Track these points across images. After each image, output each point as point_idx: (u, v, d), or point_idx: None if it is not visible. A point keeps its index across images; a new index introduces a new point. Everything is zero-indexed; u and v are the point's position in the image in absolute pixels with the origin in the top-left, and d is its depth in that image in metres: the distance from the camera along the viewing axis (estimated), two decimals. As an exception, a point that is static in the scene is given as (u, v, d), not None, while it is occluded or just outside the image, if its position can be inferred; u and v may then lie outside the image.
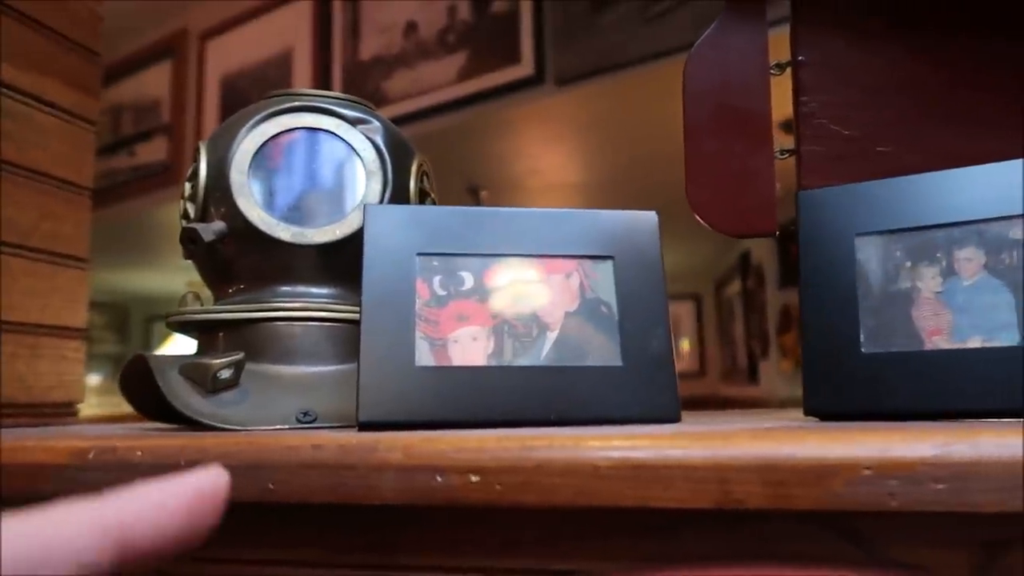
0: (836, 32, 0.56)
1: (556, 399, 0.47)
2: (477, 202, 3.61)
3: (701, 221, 0.56)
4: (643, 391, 0.48)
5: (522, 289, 0.49)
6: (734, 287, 4.32)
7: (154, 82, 3.84)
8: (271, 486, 0.41)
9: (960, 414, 0.42)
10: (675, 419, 0.48)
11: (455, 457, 0.38)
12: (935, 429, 0.35)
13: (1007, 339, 0.42)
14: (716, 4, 0.60)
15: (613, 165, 3.37)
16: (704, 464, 0.35)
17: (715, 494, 0.35)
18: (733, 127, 0.55)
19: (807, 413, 0.46)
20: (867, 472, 0.34)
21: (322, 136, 0.65)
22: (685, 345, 4.91)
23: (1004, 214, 0.43)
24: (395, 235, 0.50)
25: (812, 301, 0.47)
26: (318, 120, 0.66)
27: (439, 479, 0.38)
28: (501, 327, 0.48)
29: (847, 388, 0.45)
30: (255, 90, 3.33)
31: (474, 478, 0.38)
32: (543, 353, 0.48)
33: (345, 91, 3.36)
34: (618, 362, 0.48)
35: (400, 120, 3.12)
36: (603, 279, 0.50)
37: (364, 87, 3.19)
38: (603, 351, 0.49)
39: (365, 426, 0.46)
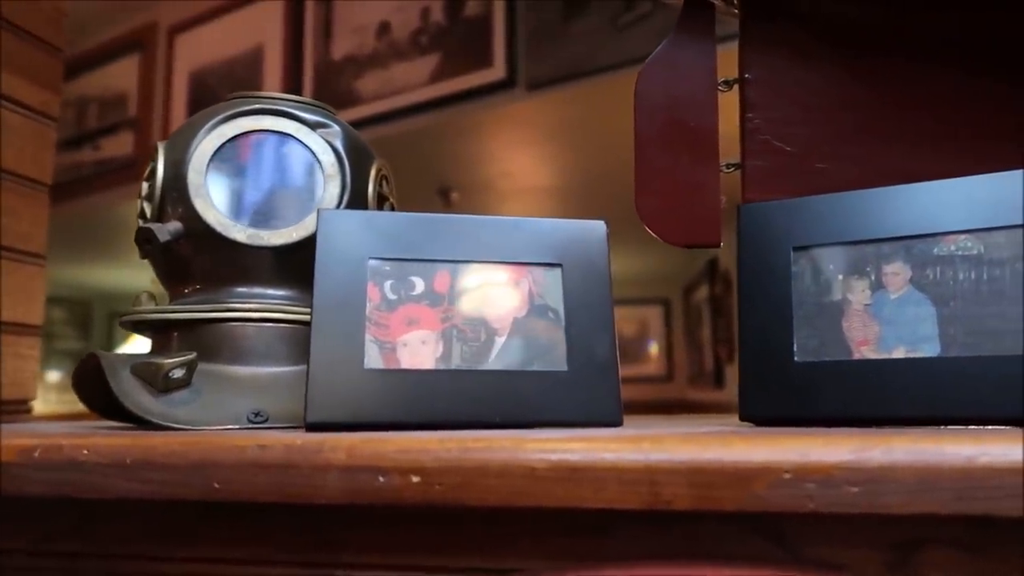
0: (781, 51, 0.58)
1: (502, 403, 0.49)
2: (448, 203, 3.62)
3: (649, 231, 0.57)
4: (587, 396, 0.49)
5: (472, 295, 0.51)
6: (702, 292, 4.37)
7: (121, 76, 3.78)
8: (216, 485, 0.41)
9: (885, 421, 0.44)
10: (617, 423, 0.49)
11: (397, 458, 0.39)
12: (854, 435, 0.37)
13: (928, 350, 0.44)
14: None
15: (584, 170, 3.40)
16: (634, 467, 0.37)
17: (645, 496, 0.37)
18: (681, 141, 0.57)
19: (743, 419, 0.47)
20: (787, 476, 0.35)
21: (281, 139, 0.66)
22: (654, 349, 4.96)
23: (930, 231, 0.46)
24: (348, 240, 0.50)
25: (750, 311, 0.49)
26: (278, 123, 0.66)
27: (381, 479, 0.39)
28: (450, 332, 0.50)
29: (780, 395, 0.46)
30: (224, 87, 3.30)
31: (415, 479, 0.39)
32: (491, 357, 0.50)
33: (316, 90, 3.34)
34: (563, 367, 0.50)
35: (372, 121, 3.12)
36: (551, 286, 0.52)
37: (336, 87, 3.18)
38: (549, 356, 0.50)
39: (313, 427, 0.46)
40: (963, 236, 0.45)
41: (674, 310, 4.78)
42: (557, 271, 0.52)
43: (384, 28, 3.13)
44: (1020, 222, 0.44)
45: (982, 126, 0.55)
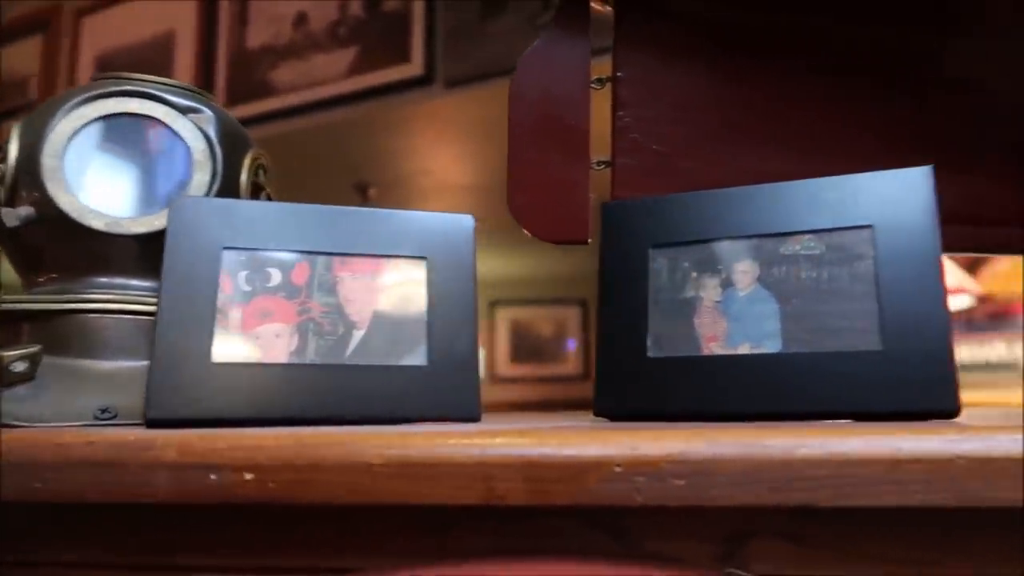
0: (653, 51, 0.58)
1: (359, 399, 0.48)
2: (365, 199, 3.57)
3: (520, 226, 0.57)
4: (446, 391, 0.49)
5: (331, 287, 0.49)
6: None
7: (23, 58, 3.59)
8: (38, 484, 0.39)
9: (731, 415, 0.45)
10: (475, 418, 0.49)
11: (230, 455, 0.38)
12: (685, 430, 0.37)
13: (771, 346, 0.45)
14: (603, 20, 0.61)
15: (502, 167, 3.40)
16: (469, 462, 0.36)
17: (480, 491, 0.36)
18: (554, 138, 0.57)
19: (596, 414, 0.48)
20: (618, 469, 0.35)
21: (148, 123, 0.63)
22: (571, 349, 5.00)
23: (777, 231, 0.47)
24: (202, 228, 0.49)
25: (608, 308, 0.49)
26: (145, 106, 0.63)
27: (213, 477, 0.38)
28: (306, 325, 0.48)
29: (633, 391, 0.47)
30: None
31: (248, 476, 0.37)
32: (348, 352, 0.49)
33: (230, 80, 3.24)
34: (423, 362, 0.49)
35: (288, 113, 3.05)
36: (415, 279, 0.51)
37: (251, 77, 3.10)
38: (409, 351, 0.49)
39: (154, 423, 0.44)
40: (807, 236, 0.46)
41: (591, 311, 4.84)
42: (422, 264, 0.51)
43: (302, 18, 3.06)
44: (860, 223, 0.45)
45: (839, 131, 0.57)
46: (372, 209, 0.52)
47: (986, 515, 0.34)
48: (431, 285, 0.51)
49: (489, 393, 4.68)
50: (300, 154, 3.05)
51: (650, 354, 0.47)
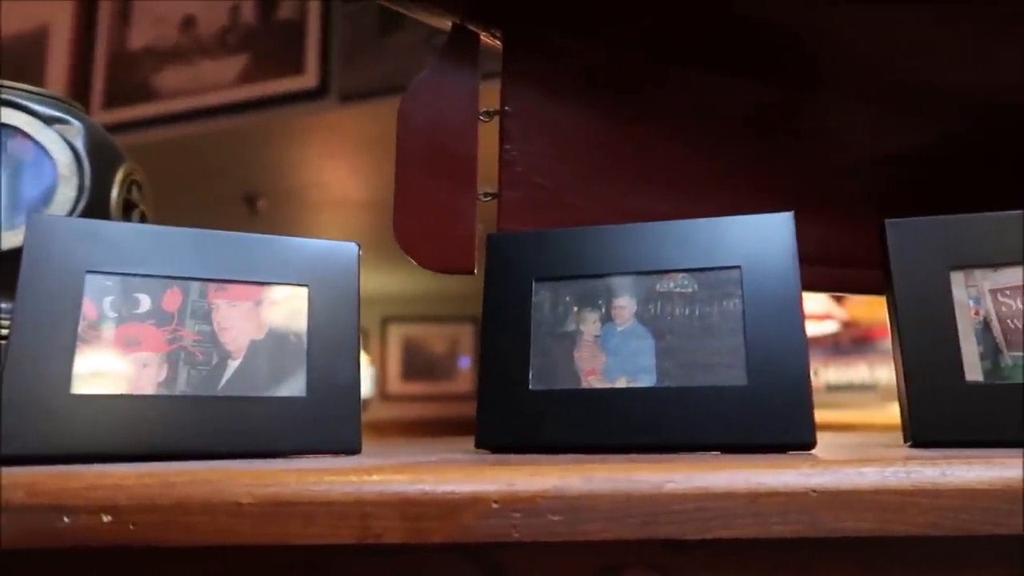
0: (540, 88, 0.60)
1: (234, 432, 0.46)
2: (254, 212, 3.46)
3: (405, 253, 0.57)
4: (325, 423, 0.48)
5: (205, 314, 0.48)
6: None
7: None
8: None
9: (608, 448, 0.46)
10: (355, 450, 0.48)
11: (87, 495, 0.36)
12: (561, 464, 0.38)
13: (646, 380, 0.47)
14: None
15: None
16: (344, 499, 0.36)
17: (355, 529, 0.36)
18: (441, 166, 0.57)
19: (478, 446, 0.48)
20: (495, 505, 0.36)
21: (8, 133, 0.59)
22: (464, 367, 5.00)
23: (654, 268, 0.49)
24: (63, 249, 0.46)
25: (491, 339, 0.49)
26: (6, 115, 0.59)
27: (66, 520, 0.35)
28: (177, 354, 0.46)
29: (515, 423, 0.47)
30: (2, 70, 2.96)
31: (106, 518, 0.35)
32: (222, 382, 0.47)
33: (108, 81, 3.08)
34: (302, 393, 0.48)
35: (172, 119, 2.92)
36: (295, 307, 0.50)
37: (131, 79, 2.95)
38: (288, 381, 0.48)
39: (8, 460, 0.41)
40: (681, 274, 0.48)
41: (485, 328, 4.86)
42: (303, 291, 0.50)
43: (189, 22, 2.95)
44: (729, 264, 0.48)
45: (710, 176, 0.60)
46: (252, 234, 0.51)
47: (839, 544, 0.36)
48: (312, 313, 0.50)
49: (379, 411, 4.62)
50: (186, 162, 2.93)
51: (531, 386, 0.48)
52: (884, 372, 3.09)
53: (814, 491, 0.36)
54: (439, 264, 0.57)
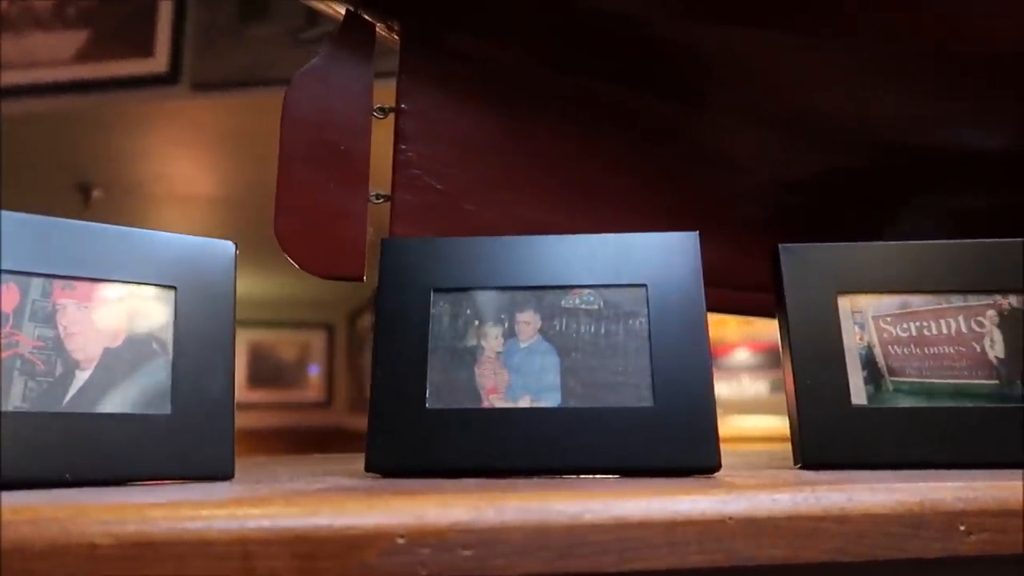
0: (438, 87, 0.57)
1: (82, 454, 0.39)
2: (87, 203, 3.18)
3: (288, 256, 0.52)
4: (193, 444, 0.42)
5: (48, 317, 0.41)
6: (368, 320, 4.37)
7: None
8: None
9: (510, 471, 0.43)
10: (228, 475, 0.43)
11: None
12: (470, 493, 0.35)
13: (551, 400, 0.45)
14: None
15: (252, 182, 3.20)
16: (225, 538, 0.31)
17: (238, 571, 0.31)
18: (330, 163, 0.53)
19: (368, 470, 0.44)
20: (401, 541, 0.32)
21: None
22: (314, 375, 4.83)
23: (560, 283, 0.47)
24: None
25: (385, 353, 0.46)
26: None
27: None
28: (12, 362, 0.39)
29: (410, 445, 0.44)
30: None
31: (-86, 567, 0.29)
32: (67, 397, 0.40)
33: (-85, 45, 2.72)
34: (166, 410, 0.42)
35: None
36: (160, 311, 0.44)
37: (-54, 45, 2.63)
38: (148, 397, 0.42)
39: None
40: (587, 290, 0.47)
41: (338, 336, 4.72)
42: (170, 294, 0.44)
43: (20, -12, 2.67)
44: (635, 281, 0.47)
45: (611, 190, 0.59)
46: (110, 226, 0.44)
47: (753, 572, 0.35)
48: (180, 319, 0.44)
49: (220, 420, 4.37)
50: (11, 143, 2.64)
51: (429, 405, 0.44)
52: (724, 387, 3.27)
53: (730, 518, 0.35)
54: (325, 269, 0.53)
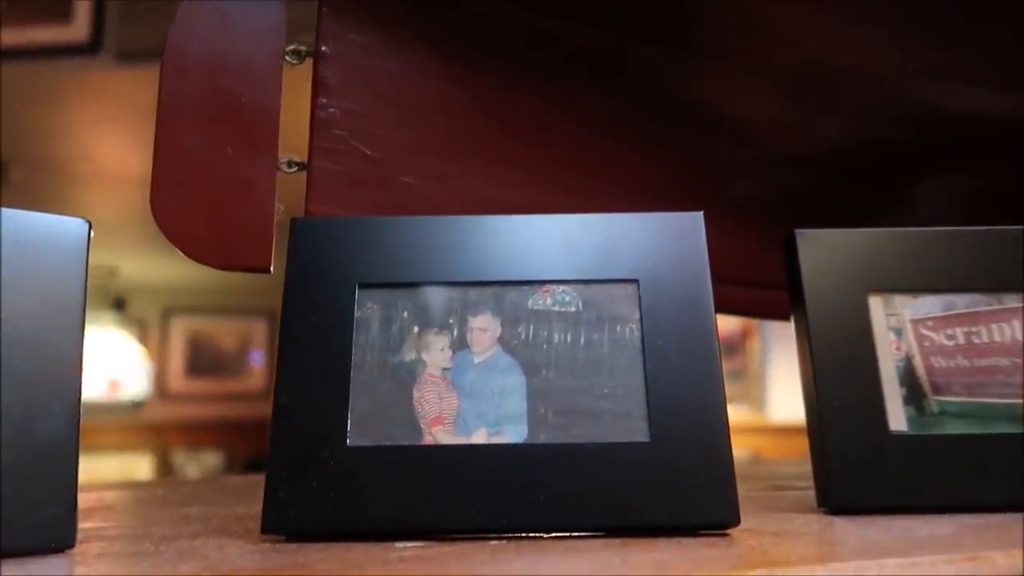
0: (373, 28, 0.45)
1: None
2: (5, 181, 2.96)
3: (169, 241, 0.40)
4: (17, 501, 0.30)
5: None
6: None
7: None
8: None
9: (459, 530, 0.32)
10: (65, 544, 0.31)
11: None
12: (406, 570, 0.24)
13: (514, 434, 0.34)
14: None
15: (184, 163, 3.02)
16: None
17: None
18: (226, 121, 0.41)
19: (264, 530, 0.32)
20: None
21: None
22: (255, 364, 4.64)
23: (525, 277, 0.36)
24: None
25: (291, 371, 0.34)
26: None
27: None
28: None
29: (323, 494, 0.32)
30: None
31: None
32: None
33: None
34: (-26, 455, 0.30)
35: None
36: (-26, 317, 0.31)
37: None
38: (-51, 436, 0.30)
39: None
40: (562, 287, 0.36)
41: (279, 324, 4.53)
42: (-10, 292, 0.32)
43: (-79, -56, 2.43)
44: (623, 276, 0.36)
45: (591, 162, 0.48)
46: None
47: None
48: (4, 325, 0.32)
49: (157, 411, 4.15)
50: None
51: (351, 442, 0.33)
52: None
53: (776, 619, 0.25)
54: (219, 257, 0.41)
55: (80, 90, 2.54)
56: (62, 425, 0.32)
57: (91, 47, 2.30)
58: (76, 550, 0.31)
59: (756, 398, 3.38)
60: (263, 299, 4.39)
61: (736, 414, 3.22)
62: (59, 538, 0.31)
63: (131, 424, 4.07)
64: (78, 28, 2.31)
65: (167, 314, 4.36)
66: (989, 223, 0.42)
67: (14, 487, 0.30)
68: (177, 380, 4.38)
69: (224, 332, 4.50)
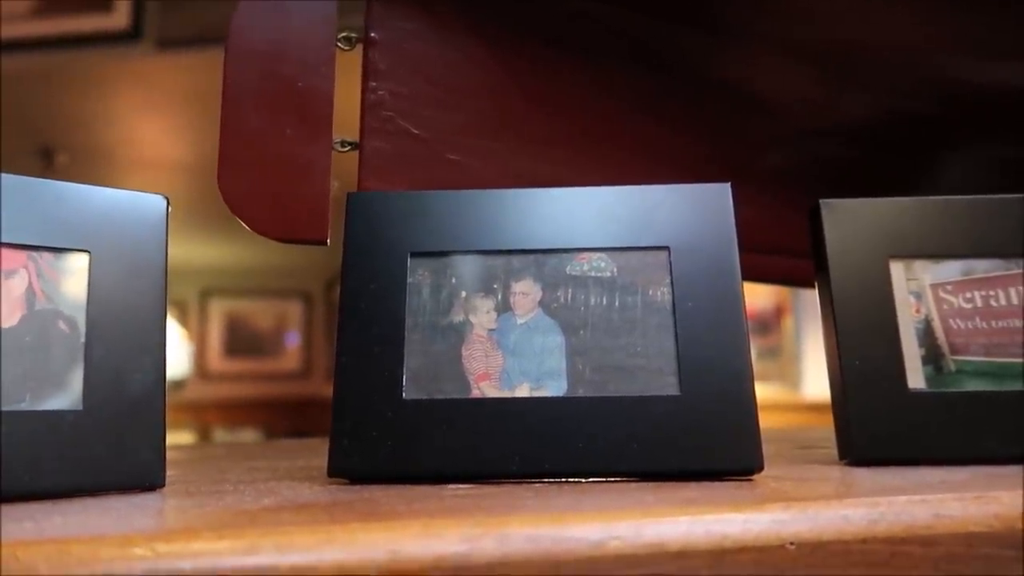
0: (419, 15, 0.48)
1: (-36, 461, 0.31)
2: (50, 167, 3.05)
3: (236, 217, 0.44)
4: (111, 448, 0.34)
5: (-78, 290, 0.32)
6: (346, 289, 4.25)
7: None
8: None
9: (505, 474, 0.36)
10: (156, 484, 0.35)
11: None
12: (462, 514, 0.27)
13: (554, 388, 0.37)
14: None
15: (222, 147, 3.08)
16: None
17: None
18: (285, 105, 0.44)
19: (332, 474, 0.36)
20: (369, 584, 0.24)
21: None
22: (291, 345, 4.73)
23: (564, 246, 0.39)
24: None
25: (352, 332, 0.37)
26: None
27: None
28: None
29: (383, 443, 0.36)
30: None
31: None
32: (-55, 391, 0.32)
33: None
34: (76, 405, 0.34)
35: (-56, 51, 2.48)
36: (71, 282, 0.35)
37: None
38: (55, 388, 0.34)
39: None
40: (598, 254, 0.39)
41: (316, 304, 4.62)
42: (83, 259, 0.36)
43: (-32, -63, 2.50)
44: (656, 243, 0.39)
45: (636, 141, 0.51)
46: (5, 175, 0.35)
47: (816, 613, 0.28)
48: (94, 291, 0.35)
49: (197, 391, 4.26)
50: None
51: (406, 395, 0.36)
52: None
53: (791, 544, 0.27)
54: (281, 231, 0.44)
55: (121, 77, 2.61)
56: (151, 378, 0.35)
57: (132, 35, 2.36)
58: (166, 490, 0.35)
59: (791, 376, 3.37)
60: (298, 281, 4.48)
61: (771, 392, 3.21)
62: (151, 478, 0.35)
63: (173, 403, 4.15)
64: (119, 16, 2.37)
65: (205, 296, 4.46)
66: (1018, 191, 0.44)
67: (112, 432, 0.34)
68: (216, 360, 4.49)
69: (261, 313, 4.59)
